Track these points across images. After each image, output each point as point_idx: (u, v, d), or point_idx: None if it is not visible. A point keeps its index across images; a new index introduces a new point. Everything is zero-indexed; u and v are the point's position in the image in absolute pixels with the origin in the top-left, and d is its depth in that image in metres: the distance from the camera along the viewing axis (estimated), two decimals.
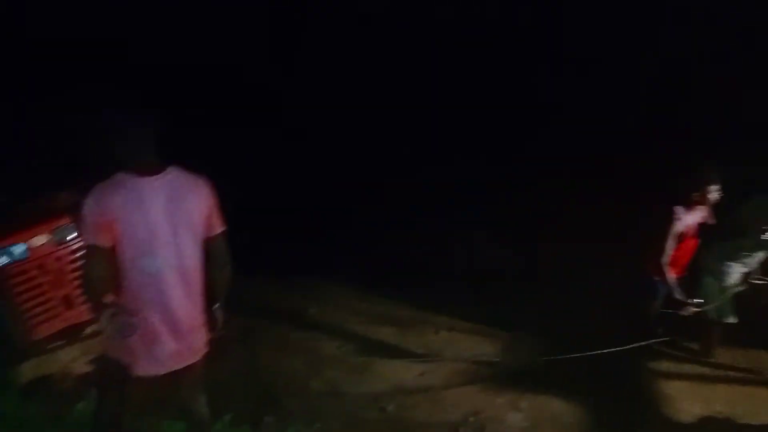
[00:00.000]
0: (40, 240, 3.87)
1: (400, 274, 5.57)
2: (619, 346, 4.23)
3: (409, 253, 5.96)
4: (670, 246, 4.22)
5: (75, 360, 3.99)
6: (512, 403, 4.19)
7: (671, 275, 4.28)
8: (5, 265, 3.79)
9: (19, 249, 3.83)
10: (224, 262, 2.64)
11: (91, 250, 2.46)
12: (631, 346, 4.29)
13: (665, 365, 4.56)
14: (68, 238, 3.94)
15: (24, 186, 4.40)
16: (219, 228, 2.63)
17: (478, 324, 5.04)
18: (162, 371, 2.54)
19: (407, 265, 5.75)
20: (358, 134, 7.40)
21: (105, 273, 2.48)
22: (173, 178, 2.51)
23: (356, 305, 5.34)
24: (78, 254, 3.95)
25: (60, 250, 3.91)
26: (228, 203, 2.69)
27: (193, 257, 2.54)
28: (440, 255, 5.94)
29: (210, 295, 2.66)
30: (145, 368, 2.53)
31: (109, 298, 2.51)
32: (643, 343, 4.36)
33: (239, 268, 2.73)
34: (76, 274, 3.91)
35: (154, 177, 2.47)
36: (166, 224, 2.47)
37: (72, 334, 3.97)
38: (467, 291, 5.31)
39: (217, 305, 2.70)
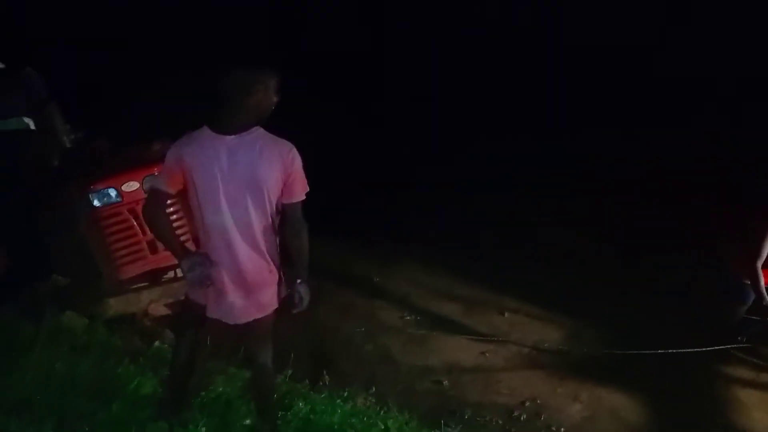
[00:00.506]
0: (131, 186, 4.12)
1: (470, 250, 5.54)
2: (694, 347, 4.05)
3: (479, 230, 5.90)
4: (765, 249, 3.98)
5: (155, 302, 4.26)
6: (572, 393, 4.11)
7: (763, 280, 4.04)
8: (99, 207, 4.07)
9: (112, 193, 4.10)
10: (298, 230, 2.61)
11: (152, 192, 2.57)
12: (707, 348, 4.10)
13: (741, 372, 4.33)
14: None
15: (125, 135, 4.70)
16: (297, 197, 2.57)
17: (546, 308, 4.94)
18: (230, 321, 2.64)
19: (477, 242, 5.71)
20: (432, 110, 7.48)
21: (163, 217, 2.59)
22: (253, 139, 2.51)
23: (422, 278, 5.35)
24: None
25: None
26: (309, 165, 2.68)
27: (260, 219, 2.53)
28: (512, 234, 5.84)
29: (287, 260, 2.66)
30: (217, 315, 2.65)
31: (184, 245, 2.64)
32: (720, 347, 4.16)
33: (311, 229, 2.71)
34: None
35: (235, 135, 2.50)
36: (237, 183, 2.48)
37: (154, 277, 4.22)
38: (537, 273, 5.20)
39: (299, 281, 2.64)
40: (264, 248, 2.58)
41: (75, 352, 3.47)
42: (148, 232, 4.13)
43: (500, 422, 3.83)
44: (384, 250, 5.65)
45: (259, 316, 2.65)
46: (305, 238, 2.64)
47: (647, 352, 4.04)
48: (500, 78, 7.83)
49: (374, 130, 7.41)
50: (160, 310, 4.28)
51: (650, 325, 4.57)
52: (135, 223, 4.12)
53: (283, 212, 2.60)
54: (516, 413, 3.91)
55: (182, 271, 2.60)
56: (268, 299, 2.66)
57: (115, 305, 4.10)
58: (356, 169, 6.50)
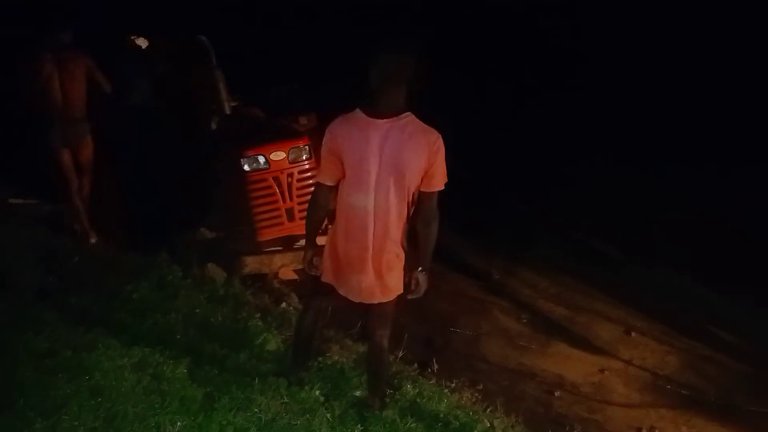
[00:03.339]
0: (278, 155, 4.39)
1: (601, 261, 5.28)
2: None
3: (613, 240, 5.60)
4: None
5: (285, 266, 4.52)
6: None
7: None
8: (248, 171, 4.37)
9: (261, 160, 4.39)
10: (429, 220, 2.59)
11: (317, 187, 2.68)
12: None
13: None
14: (301, 159, 4.42)
15: (276, 107, 5.00)
16: (435, 187, 2.54)
17: (676, 333, 4.59)
18: (356, 299, 2.70)
19: (610, 253, 5.42)
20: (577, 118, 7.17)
21: (322, 213, 2.68)
22: (403, 124, 2.50)
23: (546, 283, 5.19)
24: (306, 174, 4.42)
25: (293, 167, 4.40)
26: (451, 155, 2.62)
27: (398, 205, 2.55)
28: (649, 247, 5.46)
29: (413, 245, 2.65)
30: (343, 292, 2.74)
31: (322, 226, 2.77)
32: None
33: (441, 216, 2.65)
34: (302, 191, 4.38)
35: (385, 120, 2.50)
36: (381, 167, 2.51)
37: (288, 243, 4.48)
38: (673, 291, 4.84)
39: (419, 269, 2.63)
40: (395, 234, 2.60)
41: (213, 301, 3.77)
42: (288, 200, 4.41)
43: None
44: (510, 248, 5.54)
45: (384, 299, 2.67)
46: (435, 228, 2.61)
47: None
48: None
49: (520, 126, 7.27)
50: (289, 274, 4.52)
51: None
52: (277, 190, 4.39)
53: (418, 200, 2.59)
54: None
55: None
56: (394, 283, 2.67)
57: (251, 264, 4.40)
58: (493, 164, 6.43)
